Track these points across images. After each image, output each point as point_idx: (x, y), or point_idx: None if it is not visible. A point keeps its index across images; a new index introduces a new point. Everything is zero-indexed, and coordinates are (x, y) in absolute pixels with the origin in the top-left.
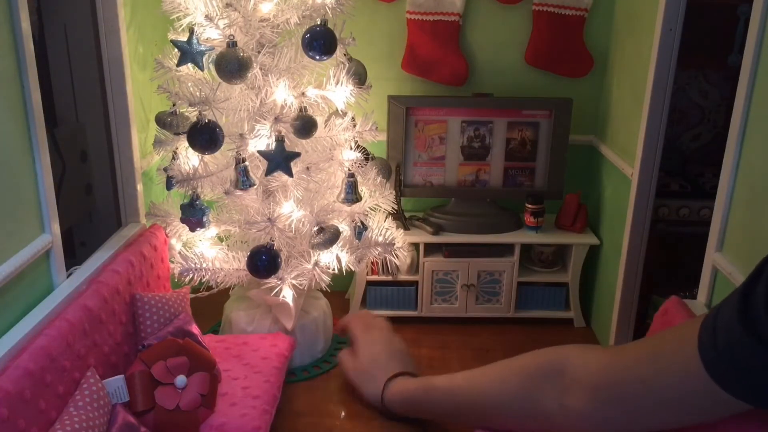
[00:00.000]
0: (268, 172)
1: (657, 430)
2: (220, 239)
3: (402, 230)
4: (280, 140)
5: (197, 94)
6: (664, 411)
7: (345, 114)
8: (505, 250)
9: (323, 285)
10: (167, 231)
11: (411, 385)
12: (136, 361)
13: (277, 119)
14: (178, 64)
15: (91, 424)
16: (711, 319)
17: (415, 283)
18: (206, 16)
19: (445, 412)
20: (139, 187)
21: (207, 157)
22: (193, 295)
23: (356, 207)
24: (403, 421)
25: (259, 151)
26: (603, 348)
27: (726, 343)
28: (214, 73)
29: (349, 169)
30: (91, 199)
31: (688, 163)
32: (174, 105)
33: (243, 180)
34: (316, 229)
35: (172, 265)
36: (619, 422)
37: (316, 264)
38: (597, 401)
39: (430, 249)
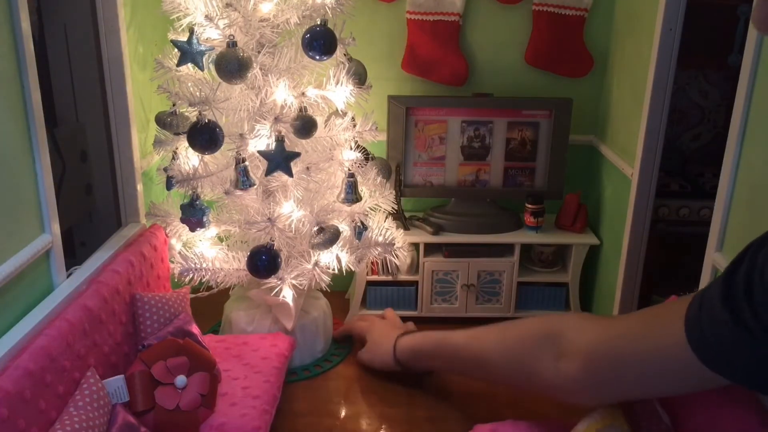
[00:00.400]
0: (268, 172)
1: (642, 397)
2: (220, 239)
3: (402, 230)
4: (280, 140)
5: (197, 94)
6: (650, 381)
7: (345, 114)
8: (505, 250)
9: (323, 285)
10: (167, 231)
11: (419, 337)
12: (136, 361)
13: (277, 119)
14: (178, 64)
15: (91, 424)
16: (698, 299)
17: (415, 283)
18: (206, 16)
19: (451, 365)
20: (139, 187)
21: (207, 157)
22: (193, 295)
23: (356, 207)
24: (419, 376)
25: (259, 151)
26: (599, 317)
27: (710, 323)
28: (214, 73)
29: (349, 169)
30: (91, 199)
31: (688, 163)
32: (174, 105)
33: (243, 180)
34: (316, 229)
35: (172, 265)
36: (608, 388)
37: (316, 264)
38: (589, 367)
39: (430, 249)
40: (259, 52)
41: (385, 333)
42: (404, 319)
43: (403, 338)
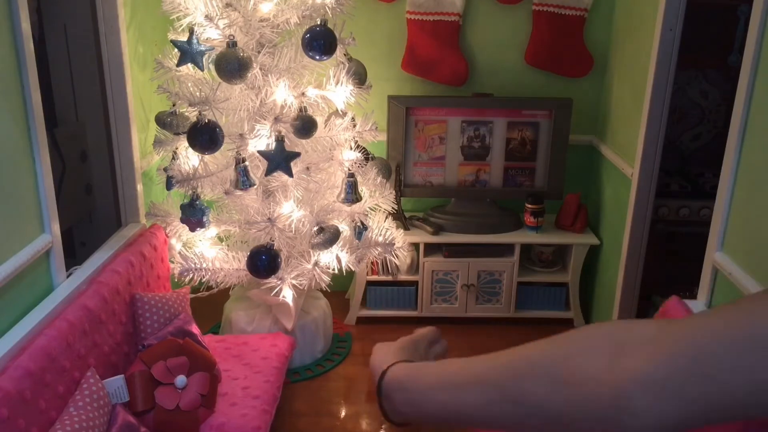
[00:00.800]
0: (268, 172)
1: (747, 417)
2: (220, 239)
3: (402, 230)
4: (280, 140)
5: (197, 94)
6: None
7: (345, 114)
8: (505, 250)
9: (323, 285)
10: (167, 231)
11: (409, 367)
12: (136, 361)
13: (277, 119)
14: (178, 64)
15: (91, 424)
16: None
17: (415, 283)
18: (206, 16)
19: (451, 391)
20: (139, 187)
21: (207, 157)
22: (193, 295)
23: (356, 207)
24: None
25: (259, 151)
26: (667, 320)
27: None
28: (214, 73)
29: (349, 169)
30: (91, 199)
31: (688, 163)
32: (174, 105)
33: (243, 180)
34: (316, 229)
35: (172, 265)
36: (698, 392)
37: (316, 264)
38: (670, 359)
39: (430, 249)
40: (259, 52)
41: (378, 358)
42: (404, 319)
43: (396, 366)
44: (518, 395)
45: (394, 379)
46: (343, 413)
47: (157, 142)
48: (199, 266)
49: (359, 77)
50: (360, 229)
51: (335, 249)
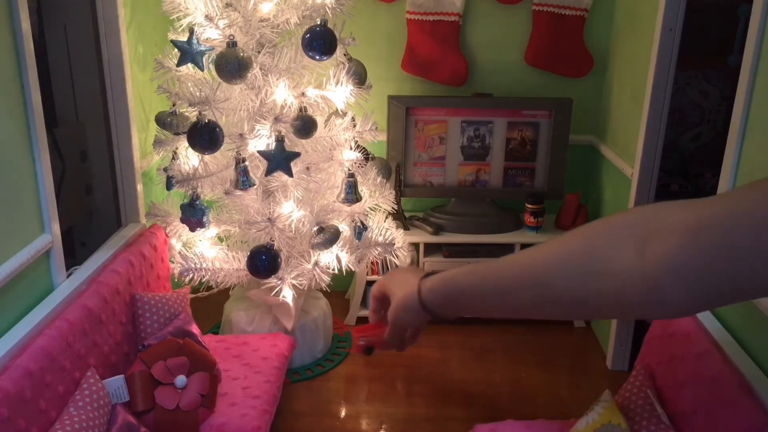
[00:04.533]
0: (268, 172)
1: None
2: (220, 239)
3: (402, 230)
4: (280, 140)
5: (197, 94)
6: None
7: (345, 114)
8: (505, 250)
9: (323, 285)
10: (167, 231)
11: (448, 272)
12: (136, 361)
13: (277, 119)
14: (178, 64)
15: (91, 424)
16: None
17: None
18: (206, 16)
19: (485, 292)
20: (139, 187)
21: (207, 157)
22: (193, 295)
23: (356, 207)
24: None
25: (259, 151)
26: (696, 199)
27: None
28: (214, 73)
29: (349, 169)
30: (91, 199)
31: (688, 163)
32: (174, 105)
33: (243, 180)
34: (316, 229)
35: (172, 265)
36: (712, 271)
37: (316, 264)
38: (694, 241)
39: (430, 249)
40: (259, 52)
41: (404, 281)
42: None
43: (427, 279)
44: (540, 294)
45: (432, 288)
46: (343, 413)
47: (157, 142)
48: (199, 266)
49: (359, 77)
50: (360, 229)
51: (335, 249)
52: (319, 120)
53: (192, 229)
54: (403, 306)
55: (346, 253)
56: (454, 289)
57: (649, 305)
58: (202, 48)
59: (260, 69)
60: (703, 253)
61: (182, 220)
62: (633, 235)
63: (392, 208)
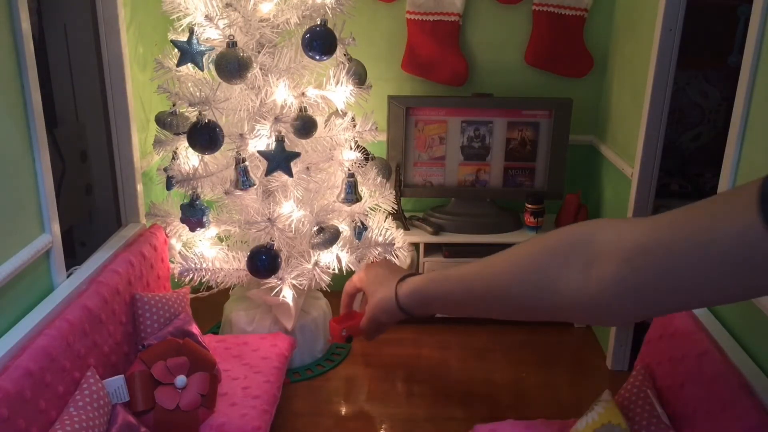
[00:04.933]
0: (268, 172)
1: (696, 305)
2: (220, 239)
3: (402, 230)
4: (280, 140)
5: (197, 94)
6: (711, 280)
7: (345, 114)
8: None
9: (323, 285)
10: (167, 231)
11: (422, 277)
12: (136, 361)
13: (277, 119)
14: (178, 64)
15: (91, 424)
16: None
17: None
18: (206, 16)
19: (456, 300)
20: (139, 187)
21: (207, 157)
22: (193, 295)
23: (356, 207)
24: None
25: (259, 151)
26: (636, 218)
27: None
28: (214, 73)
29: (349, 169)
30: (91, 199)
31: (688, 163)
32: (174, 105)
33: (243, 180)
34: (316, 229)
35: (172, 265)
36: (654, 293)
37: (316, 264)
38: (632, 267)
39: (430, 249)
40: (259, 52)
41: (382, 279)
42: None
43: (404, 283)
44: (502, 303)
45: (408, 291)
46: (343, 413)
47: (157, 142)
48: (199, 266)
49: (359, 77)
50: (360, 229)
51: (335, 249)
52: (319, 120)
53: (192, 229)
54: (381, 308)
55: (346, 253)
56: (428, 295)
57: (598, 318)
58: (202, 48)
59: (260, 69)
60: (642, 276)
61: (182, 220)
62: (578, 254)
63: (392, 208)
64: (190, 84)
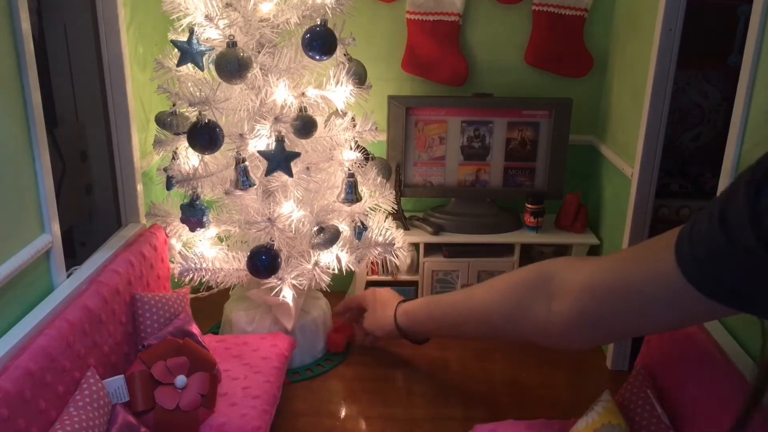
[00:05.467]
0: (268, 172)
1: (637, 334)
2: (220, 239)
3: (402, 230)
4: (280, 140)
5: (197, 94)
6: (643, 314)
7: (345, 114)
8: (505, 250)
9: (323, 285)
10: (167, 231)
11: (417, 304)
12: (136, 361)
13: (277, 119)
14: (178, 64)
15: (91, 424)
16: (689, 225)
17: (415, 283)
18: (206, 16)
19: (449, 325)
20: (139, 187)
21: (207, 157)
22: (193, 295)
23: (356, 207)
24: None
25: (259, 151)
26: (591, 257)
27: (706, 251)
28: (214, 73)
29: (349, 169)
30: (91, 199)
31: (688, 163)
32: (174, 105)
33: (243, 180)
34: (316, 229)
35: (172, 265)
36: (600, 326)
37: (316, 264)
38: (581, 304)
39: (430, 249)
40: (259, 52)
41: (385, 300)
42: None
43: (403, 305)
44: (485, 330)
45: (405, 313)
46: (343, 413)
47: (157, 142)
48: (199, 266)
49: (359, 77)
50: (360, 229)
51: (335, 249)
52: (319, 120)
53: (192, 229)
54: (380, 325)
55: (346, 253)
56: (421, 316)
57: (565, 344)
58: (202, 48)
59: (260, 69)
60: (594, 310)
61: (182, 220)
62: (542, 290)
63: (392, 208)
64: (190, 84)
